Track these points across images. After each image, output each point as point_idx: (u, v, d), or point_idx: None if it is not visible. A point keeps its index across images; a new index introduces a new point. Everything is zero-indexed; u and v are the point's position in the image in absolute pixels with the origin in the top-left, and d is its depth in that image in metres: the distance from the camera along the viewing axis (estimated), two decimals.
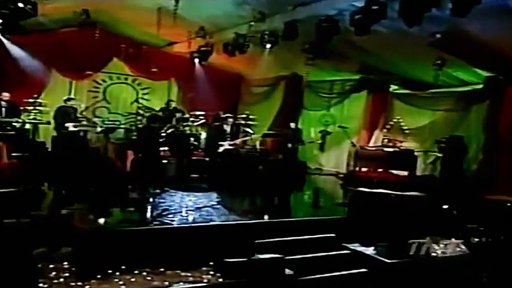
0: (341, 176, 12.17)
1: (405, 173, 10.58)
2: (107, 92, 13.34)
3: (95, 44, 10.98)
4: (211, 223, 6.39)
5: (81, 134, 9.80)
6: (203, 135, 11.29)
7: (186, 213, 6.88)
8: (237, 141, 10.10)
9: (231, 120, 10.30)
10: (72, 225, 5.63)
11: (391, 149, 10.77)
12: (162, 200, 7.64)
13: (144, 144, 8.34)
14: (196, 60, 11.77)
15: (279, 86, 14.22)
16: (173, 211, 6.90)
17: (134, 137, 9.99)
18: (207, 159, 10.21)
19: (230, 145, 9.91)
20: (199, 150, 10.85)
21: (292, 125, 10.92)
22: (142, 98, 13.60)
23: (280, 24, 8.57)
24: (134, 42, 12.78)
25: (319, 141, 12.59)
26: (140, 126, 10.80)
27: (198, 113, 11.15)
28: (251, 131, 11.07)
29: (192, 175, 9.69)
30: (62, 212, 6.20)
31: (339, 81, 13.12)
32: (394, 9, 6.96)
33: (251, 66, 13.16)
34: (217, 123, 10.53)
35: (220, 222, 6.48)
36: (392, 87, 11.99)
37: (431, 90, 11.08)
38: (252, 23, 8.78)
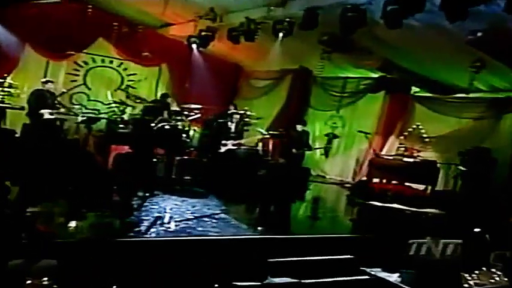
0: (348, 185, 12.11)
1: (423, 187, 10.60)
2: (88, 76, 13.09)
3: (81, 21, 10.76)
4: (215, 237, 6.09)
5: (58, 123, 9.47)
6: (193, 132, 11.19)
7: (182, 222, 6.60)
8: (243, 141, 9.93)
9: (237, 116, 10.12)
10: (36, 228, 5.29)
11: (411, 159, 10.63)
12: (153, 206, 7.37)
13: (139, 139, 7.88)
14: (194, 46, 11.35)
15: (283, 81, 14.12)
16: (166, 220, 6.66)
17: (121, 130, 9.72)
18: (203, 159, 10.02)
19: (234, 145, 9.71)
20: (192, 149, 10.68)
21: (299, 127, 10.75)
22: (128, 86, 13.31)
23: (299, 10, 8.36)
24: (128, 22, 12.59)
25: (329, 147, 12.38)
26: (129, 118, 10.62)
27: (194, 106, 10.80)
28: (263, 131, 10.92)
29: (185, 177, 9.43)
30: (27, 212, 5.80)
31: (353, 78, 12.91)
32: (432, 2, 6.76)
33: (254, 57, 13.02)
34: (221, 120, 10.37)
35: (226, 237, 6.15)
36: (414, 90, 11.80)
37: (457, 95, 10.94)
38: (272, 8, 8.52)
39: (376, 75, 11.95)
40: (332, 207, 10.49)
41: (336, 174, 13.34)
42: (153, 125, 9.35)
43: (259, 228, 6.98)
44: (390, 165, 10.61)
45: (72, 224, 5.77)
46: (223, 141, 9.78)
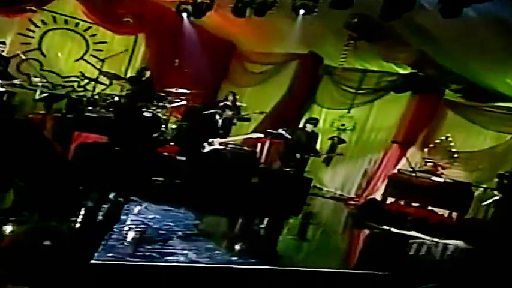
0: (352, 203, 11.92)
1: (447, 212, 10.48)
2: (45, 40, 12.60)
3: None
4: (194, 264, 5.44)
5: (5, 97, 9.07)
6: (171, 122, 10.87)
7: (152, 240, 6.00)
8: (231, 140, 9.78)
9: (229, 112, 9.96)
10: None
11: (440, 179, 10.43)
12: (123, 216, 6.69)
13: (123, 128, 7.42)
14: (185, 15, 10.91)
15: (286, 67, 14.00)
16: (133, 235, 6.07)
17: (90, 113, 9.23)
18: (182, 158, 9.42)
19: (221, 144, 9.51)
20: (172, 144, 10.24)
21: (309, 126, 10.65)
22: (93, 56, 13.03)
23: None
24: None
25: (331, 154, 12.09)
26: (102, 97, 10.28)
27: (181, 90, 10.57)
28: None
29: (156, 178, 8.84)
30: None
31: (375, 72, 12.74)
32: None
33: (254, 34, 12.73)
34: (208, 111, 10.10)
35: (206, 265, 5.50)
36: (448, 93, 11.64)
37: (501, 104, 10.89)
38: None
39: (405, 71, 11.79)
40: (327, 227, 10.19)
41: (336, 187, 13.19)
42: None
43: (237, 246, 6.73)
44: (414, 183, 10.40)
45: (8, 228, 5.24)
46: (210, 139, 9.53)
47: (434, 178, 10.41)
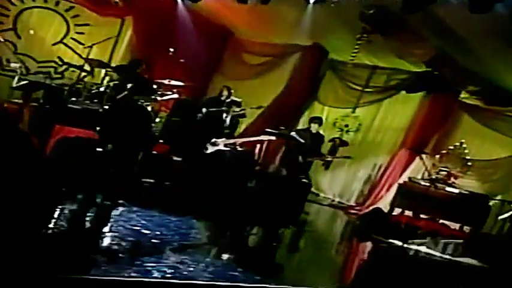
0: (353, 212, 11.93)
1: (457, 225, 10.59)
2: (21, 20, 12.36)
3: None
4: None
5: None
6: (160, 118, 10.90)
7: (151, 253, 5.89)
8: (240, 141, 9.78)
9: (236, 108, 9.97)
10: None
11: (455, 190, 10.39)
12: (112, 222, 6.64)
13: (117, 123, 7.44)
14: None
15: (287, 60, 13.96)
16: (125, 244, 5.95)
17: (74, 105, 9.12)
18: (177, 158, 9.49)
19: (227, 145, 9.54)
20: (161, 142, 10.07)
21: (315, 127, 10.56)
22: (73, 39, 12.85)
23: None
24: None
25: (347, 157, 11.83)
26: (85, 87, 10.25)
27: (174, 82, 10.49)
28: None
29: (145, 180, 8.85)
30: None
31: (384, 70, 12.72)
32: None
33: (255, 23, 12.68)
34: (214, 109, 10.11)
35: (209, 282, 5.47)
36: (464, 95, 11.70)
37: None
38: None
39: (419, 70, 11.74)
40: (322, 238, 10.15)
41: (335, 193, 13.21)
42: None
43: (225, 255, 6.77)
44: (426, 194, 10.21)
45: None
46: (214, 140, 9.56)
47: (448, 189, 10.39)
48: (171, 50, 11.06)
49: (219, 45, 14.77)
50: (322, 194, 13.04)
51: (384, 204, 11.40)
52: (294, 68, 13.70)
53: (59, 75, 11.81)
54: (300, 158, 10.35)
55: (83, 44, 12.52)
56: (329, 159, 11.31)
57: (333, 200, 12.93)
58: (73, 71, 11.41)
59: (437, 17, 8.72)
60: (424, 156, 11.74)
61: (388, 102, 12.79)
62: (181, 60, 11.31)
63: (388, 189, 11.91)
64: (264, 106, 12.20)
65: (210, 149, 9.52)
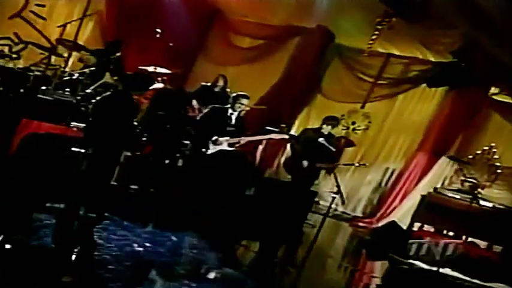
0: (363, 224, 11.94)
1: (489, 245, 10.48)
2: None
3: None
4: None
5: None
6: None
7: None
8: (247, 140, 9.79)
9: (244, 101, 9.72)
10: None
11: (488, 204, 10.25)
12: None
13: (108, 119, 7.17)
14: None
15: (284, 45, 13.95)
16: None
17: (44, 95, 8.99)
18: (166, 160, 9.75)
19: (231, 145, 9.58)
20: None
21: (327, 129, 10.56)
22: (33, 13, 12.64)
23: None
24: None
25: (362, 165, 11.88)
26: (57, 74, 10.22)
27: (160, 70, 10.67)
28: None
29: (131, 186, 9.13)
30: None
31: (402, 58, 12.67)
32: None
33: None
34: (217, 106, 10.06)
35: None
36: (494, 90, 11.73)
37: None
38: None
39: (439, 60, 11.79)
40: (322, 254, 10.01)
41: (338, 201, 12.44)
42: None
43: (212, 274, 7.06)
44: (454, 207, 10.21)
45: None
46: (217, 138, 9.54)
47: (480, 202, 10.18)
48: (158, 30, 11.03)
49: (204, 24, 14.82)
50: (322, 202, 12.69)
51: (397, 216, 11.38)
52: (292, 54, 13.66)
53: (14, 55, 11.48)
54: (306, 163, 10.37)
55: (44, 19, 12.49)
56: (342, 165, 11.45)
57: (335, 210, 12.67)
58: (41, 53, 11.17)
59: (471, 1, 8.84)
60: (446, 161, 11.81)
61: (404, 97, 12.76)
62: (171, 44, 11.53)
63: (402, 199, 11.94)
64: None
65: (212, 149, 9.50)
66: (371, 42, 11.25)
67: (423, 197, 10.74)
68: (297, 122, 13.49)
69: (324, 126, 10.57)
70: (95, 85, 9.25)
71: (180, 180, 9.56)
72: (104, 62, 10.03)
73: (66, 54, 11.75)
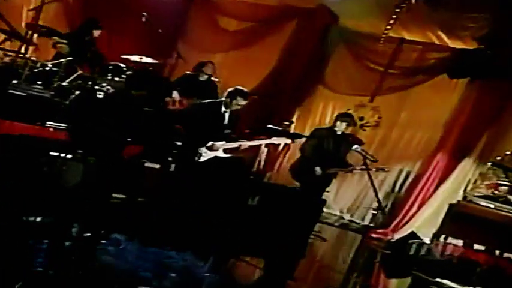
0: (376, 236, 11.80)
1: None
2: None
3: None
4: None
5: None
6: None
7: None
8: (246, 145, 9.81)
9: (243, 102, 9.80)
10: None
11: None
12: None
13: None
14: None
15: (280, 28, 14.06)
16: None
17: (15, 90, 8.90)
18: (156, 166, 9.23)
19: (226, 151, 9.64)
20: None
21: (342, 125, 10.54)
22: None
23: None
24: None
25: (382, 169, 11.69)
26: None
27: (146, 60, 10.92)
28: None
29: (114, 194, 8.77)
30: None
31: (417, 44, 12.66)
32: None
33: None
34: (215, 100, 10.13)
35: None
36: None
37: None
38: None
39: (466, 47, 11.71)
40: (327, 267, 10.12)
41: (342, 208, 13.18)
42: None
43: None
44: (486, 217, 10.13)
45: None
46: (211, 143, 9.62)
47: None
48: (144, 14, 11.08)
49: (184, 4, 14.95)
50: (326, 209, 12.55)
51: (415, 226, 11.39)
52: (289, 39, 13.76)
53: None
54: (319, 169, 10.40)
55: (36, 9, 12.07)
56: (358, 169, 11.14)
57: (341, 217, 12.91)
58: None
59: None
60: (469, 162, 11.87)
61: (420, 89, 12.67)
62: (160, 31, 11.58)
63: (420, 206, 11.85)
64: None
65: (205, 156, 9.55)
66: (388, 27, 11.30)
67: (451, 206, 10.66)
68: (295, 118, 13.40)
69: (338, 123, 10.58)
70: (71, 77, 9.25)
71: (171, 189, 9.22)
72: (79, 47, 9.94)
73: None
